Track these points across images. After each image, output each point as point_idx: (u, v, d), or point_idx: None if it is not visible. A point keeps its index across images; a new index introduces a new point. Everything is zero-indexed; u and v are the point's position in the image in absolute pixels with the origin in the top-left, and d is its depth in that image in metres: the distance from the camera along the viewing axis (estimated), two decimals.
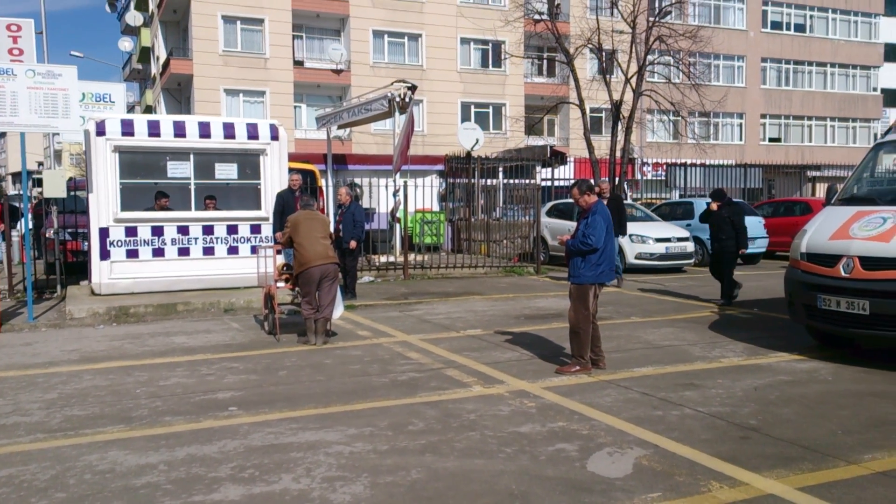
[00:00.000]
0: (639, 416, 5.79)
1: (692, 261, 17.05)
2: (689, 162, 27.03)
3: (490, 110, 36.42)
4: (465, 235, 19.23)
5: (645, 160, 34.16)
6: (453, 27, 35.00)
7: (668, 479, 4.50)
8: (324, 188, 16.33)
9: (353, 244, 11.87)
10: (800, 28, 43.35)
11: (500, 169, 20.10)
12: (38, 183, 12.45)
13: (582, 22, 26.48)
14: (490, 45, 35.32)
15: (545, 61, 37.00)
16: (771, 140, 42.96)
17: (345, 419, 5.71)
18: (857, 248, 7.29)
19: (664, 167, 27.55)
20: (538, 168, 20.36)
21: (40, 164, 34.32)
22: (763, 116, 42.62)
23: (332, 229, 11.41)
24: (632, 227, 16.11)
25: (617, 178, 23.25)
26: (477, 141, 19.29)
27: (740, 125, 42.15)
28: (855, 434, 5.35)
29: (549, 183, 21.12)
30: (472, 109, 35.82)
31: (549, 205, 18.83)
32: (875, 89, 45.49)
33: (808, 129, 44.10)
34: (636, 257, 16.12)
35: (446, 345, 8.60)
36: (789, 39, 42.79)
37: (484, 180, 19.62)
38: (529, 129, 32.99)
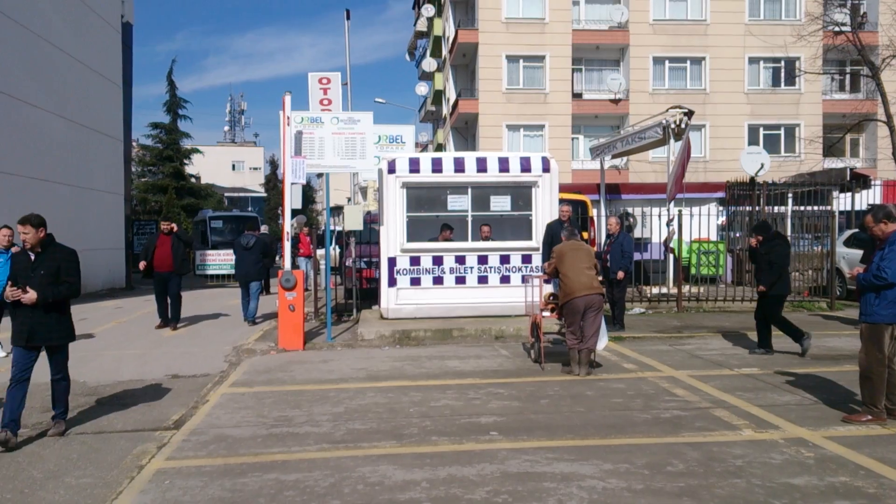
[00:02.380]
0: None
1: None
2: None
3: (781, 132, 33.86)
4: (748, 267, 17.99)
5: None
6: (740, 47, 33.22)
7: None
8: (595, 218, 16.34)
9: (620, 275, 11.76)
10: None
11: (790, 195, 18.54)
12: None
13: (891, 29, 23.70)
14: (782, 62, 32.95)
15: (847, 76, 33.58)
16: None
17: (601, 453, 5.67)
18: None
19: None
20: (835, 193, 18.45)
21: (349, 199, 38.64)
22: None
23: (598, 260, 11.46)
24: None
25: None
26: (762, 166, 18.02)
27: None
28: None
29: (847, 209, 19.08)
30: (761, 132, 33.61)
31: (847, 233, 17.03)
32: None
33: None
34: None
35: (717, 383, 8.16)
36: None
37: (770, 207, 18.23)
38: (827, 150, 30.07)
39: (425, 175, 12.26)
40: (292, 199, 10.80)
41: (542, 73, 33.33)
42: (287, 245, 10.95)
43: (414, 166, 12.25)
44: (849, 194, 18.93)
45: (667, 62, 33.59)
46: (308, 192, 65.89)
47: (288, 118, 10.67)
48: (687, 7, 33.60)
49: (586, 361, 8.69)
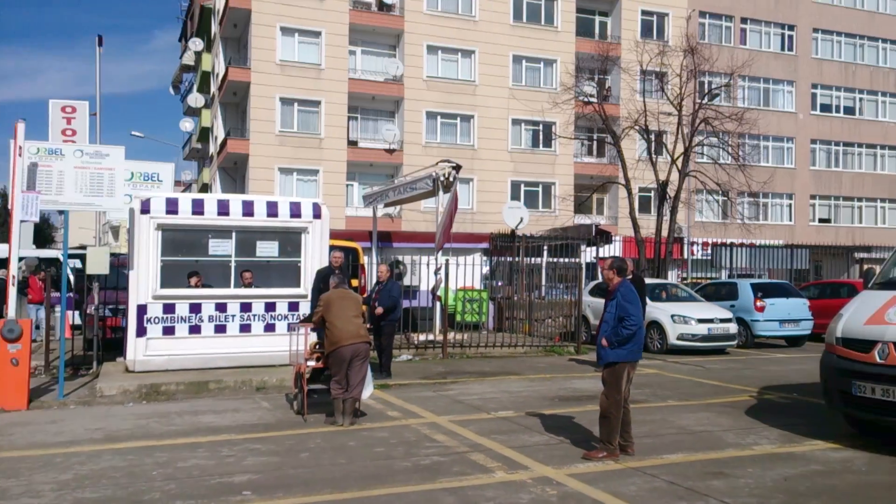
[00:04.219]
0: None
1: (735, 342, 16.78)
2: (735, 242, 26.64)
3: (539, 189, 36.60)
4: (508, 314, 19.00)
5: (693, 240, 33.73)
6: (505, 108, 35.60)
7: None
8: (366, 266, 16.41)
9: (379, 310, 11.72)
10: (849, 111, 43.07)
11: (545, 247, 19.98)
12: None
13: (630, 104, 26.74)
14: (540, 125, 35.74)
15: (594, 142, 37.25)
16: (821, 221, 42.20)
17: None
18: (893, 333, 7.12)
19: (711, 247, 27.24)
20: (583, 247, 20.18)
21: (97, 239, 35.59)
22: (812, 197, 41.97)
23: (367, 306, 11.42)
24: (674, 308, 16.49)
25: (662, 258, 22.99)
26: (521, 220, 19.28)
27: (790, 206, 41.48)
28: None
29: (594, 261, 20.93)
30: (522, 188, 36.03)
31: (592, 284, 18.64)
32: None
33: (859, 211, 43.37)
34: (678, 338, 15.93)
35: (475, 427, 8.40)
36: (839, 122, 42.51)
37: (529, 259, 19.51)
38: (578, 207, 32.97)
39: (184, 217, 11.49)
40: (22, 238, 9.59)
41: (318, 118, 33.32)
42: (12, 290, 9.64)
43: (171, 207, 11.44)
44: (594, 248, 20.76)
45: (439, 117, 35.07)
46: (45, 231, 59.57)
47: (20, 148, 9.53)
48: (458, 67, 35.45)
49: (351, 411, 8.56)
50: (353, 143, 34.10)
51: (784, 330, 17.89)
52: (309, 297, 11.84)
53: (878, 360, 7.13)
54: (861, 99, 43.25)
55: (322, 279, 11.32)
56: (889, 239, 38.13)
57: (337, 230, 21.43)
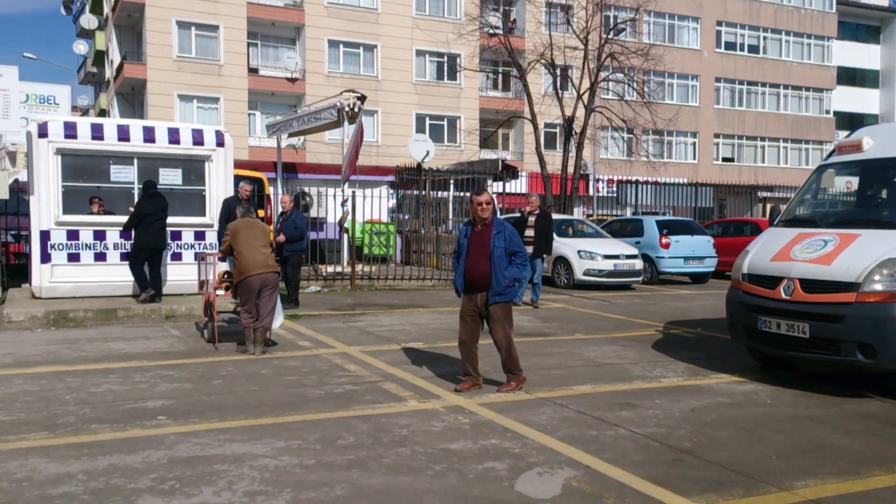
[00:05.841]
0: (572, 436, 5.64)
1: (640, 278, 17.04)
2: (640, 179, 27.36)
3: (445, 122, 36.52)
4: (415, 247, 19.24)
5: (598, 176, 34.49)
6: (408, 39, 35.06)
7: (596, 502, 4.39)
8: (271, 196, 16.23)
9: (280, 238, 11.59)
10: (753, 49, 43.58)
11: (451, 181, 20.19)
12: None
13: (535, 37, 26.68)
14: (445, 57, 35.37)
15: (500, 75, 37.20)
16: (724, 160, 43.05)
17: (274, 431, 5.63)
18: (798, 270, 7.11)
19: (616, 184, 27.91)
20: (489, 181, 20.51)
21: None
22: (717, 136, 42.87)
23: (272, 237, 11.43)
24: (581, 244, 16.63)
25: (568, 194, 23.60)
26: (427, 153, 19.34)
27: (694, 144, 42.35)
28: (789, 459, 5.22)
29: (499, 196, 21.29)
30: (427, 121, 35.86)
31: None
32: (828, 112, 45.69)
33: (762, 150, 44.34)
34: (584, 273, 16.13)
35: (386, 357, 8.53)
36: (743, 60, 43.14)
37: (435, 192, 19.68)
38: (483, 142, 33.15)
39: (84, 142, 11.14)
40: None
41: (217, 44, 31.96)
42: None
43: (70, 131, 11.04)
44: (501, 183, 21.13)
45: (341, 46, 34.21)
46: None
47: None
48: None
49: (261, 340, 8.61)
50: (253, 71, 33.02)
51: (689, 267, 18.15)
52: (216, 227, 11.73)
53: (783, 296, 7.14)
54: (765, 38, 43.80)
55: (229, 209, 11.23)
56: (791, 178, 39.08)
57: (240, 160, 20.97)
